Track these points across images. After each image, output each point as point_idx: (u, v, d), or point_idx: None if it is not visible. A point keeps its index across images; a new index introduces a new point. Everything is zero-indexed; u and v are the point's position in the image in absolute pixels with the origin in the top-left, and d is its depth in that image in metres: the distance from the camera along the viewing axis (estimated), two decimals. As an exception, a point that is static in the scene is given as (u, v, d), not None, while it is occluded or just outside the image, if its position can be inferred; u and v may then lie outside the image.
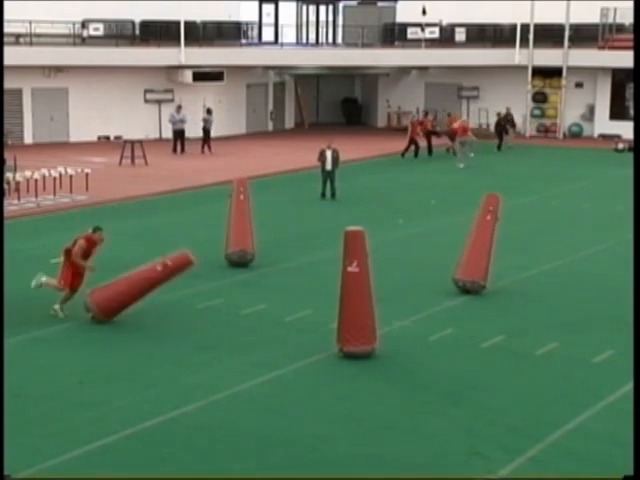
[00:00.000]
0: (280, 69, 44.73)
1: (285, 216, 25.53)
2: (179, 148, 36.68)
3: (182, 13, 38.98)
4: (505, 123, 39.94)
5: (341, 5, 48.53)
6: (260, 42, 44.97)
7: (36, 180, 26.43)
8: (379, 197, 28.57)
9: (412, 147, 36.94)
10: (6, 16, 34.94)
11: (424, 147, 37.25)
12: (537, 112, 44.57)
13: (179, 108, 37.50)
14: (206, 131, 37.00)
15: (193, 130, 37.74)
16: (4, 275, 17.90)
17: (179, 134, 36.84)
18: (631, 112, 41.37)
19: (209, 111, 37.59)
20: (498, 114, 40.40)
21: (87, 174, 27.67)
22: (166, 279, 15.78)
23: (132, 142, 33.50)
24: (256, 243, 19.65)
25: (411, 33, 45.38)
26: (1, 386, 11.84)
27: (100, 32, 39.20)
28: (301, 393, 13.03)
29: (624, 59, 39.07)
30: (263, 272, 19.19)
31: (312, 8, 48.27)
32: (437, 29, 44.99)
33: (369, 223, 24.43)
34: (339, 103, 48.98)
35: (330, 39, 48.76)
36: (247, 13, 43.96)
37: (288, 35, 46.43)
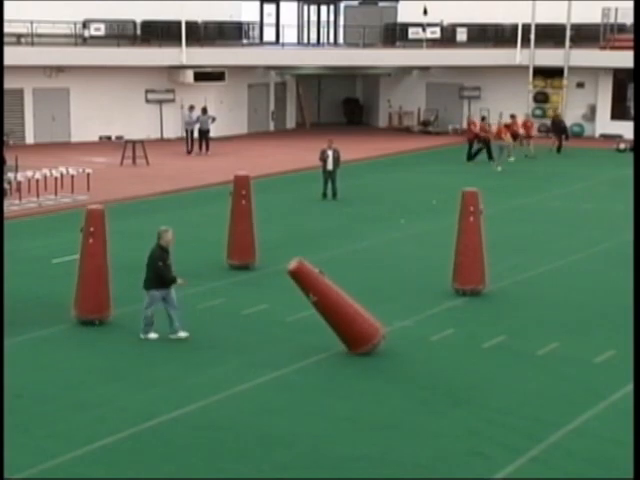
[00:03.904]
0: (281, 69, 44.73)
1: (286, 216, 25.52)
2: (193, 147, 36.64)
3: (183, 13, 38.97)
4: (563, 124, 39.33)
5: (342, 5, 48.56)
6: (261, 42, 45.00)
7: (37, 180, 26.44)
8: (381, 197, 28.57)
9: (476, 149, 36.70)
10: (7, 16, 35.01)
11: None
12: (538, 112, 44.55)
13: (192, 108, 37.39)
14: (202, 131, 36.98)
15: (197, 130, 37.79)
16: (5, 275, 17.94)
17: (192, 134, 36.72)
18: (632, 112, 41.35)
19: (204, 110, 37.56)
20: (554, 116, 40.28)
21: (88, 174, 27.68)
22: None
23: (133, 142, 33.50)
24: (257, 244, 19.61)
25: (412, 33, 45.37)
26: (1, 387, 11.83)
27: (101, 32, 39.21)
28: (302, 393, 13.03)
29: (625, 59, 39.07)
30: (264, 272, 19.18)
31: (313, 8, 48.31)
32: (438, 29, 44.99)
33: (371, 223, 24.55)
34: (340, 103, 49.00)
35: (331, 39, 48.81)
36: (248, 13, 43.98)
37: (289, 35, 46.46)
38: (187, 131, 37.28)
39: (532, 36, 42.89)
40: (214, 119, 37.40)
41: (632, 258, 17.92)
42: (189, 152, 36.70)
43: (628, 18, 41.54)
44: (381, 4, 48.85)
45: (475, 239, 17.15)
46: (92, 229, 15.49)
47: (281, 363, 13.95)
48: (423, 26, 44.64)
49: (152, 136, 39.65)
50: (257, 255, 19.59)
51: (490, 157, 35.55)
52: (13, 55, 35.97)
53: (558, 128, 39.35)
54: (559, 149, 38.69)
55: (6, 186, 25.77)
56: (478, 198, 17.17)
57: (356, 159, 34.80)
